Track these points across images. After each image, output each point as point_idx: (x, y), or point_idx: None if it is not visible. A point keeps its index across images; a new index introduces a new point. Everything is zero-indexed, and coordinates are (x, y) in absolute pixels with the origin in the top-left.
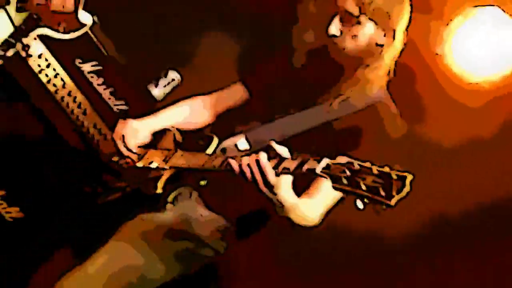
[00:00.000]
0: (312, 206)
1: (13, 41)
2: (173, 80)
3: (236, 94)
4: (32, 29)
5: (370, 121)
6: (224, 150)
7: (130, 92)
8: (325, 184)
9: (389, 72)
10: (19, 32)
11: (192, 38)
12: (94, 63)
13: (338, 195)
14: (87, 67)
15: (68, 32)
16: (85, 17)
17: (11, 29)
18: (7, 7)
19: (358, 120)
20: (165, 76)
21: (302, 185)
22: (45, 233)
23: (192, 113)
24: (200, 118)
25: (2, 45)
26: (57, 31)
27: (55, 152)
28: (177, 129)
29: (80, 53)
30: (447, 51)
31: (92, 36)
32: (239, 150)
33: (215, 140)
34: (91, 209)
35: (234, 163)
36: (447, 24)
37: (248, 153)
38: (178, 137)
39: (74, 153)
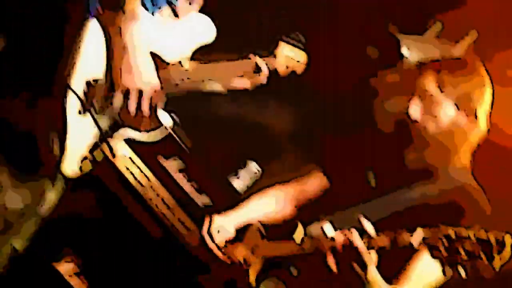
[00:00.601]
0: None
1: (99, 144)
2: (253, 171)
3: (316, 182)
4: (116, 130)
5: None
6: (310, 236)
7: (212, 185)
8: (421, 265)
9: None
10: (105, 135)
11: (269, 127)
12: (176, 159)
13: (437, 278)
14: (169, 164)
15: (149, 131)
16: (165, 118)
17: (97, 132)
18: (91, 110)
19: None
20: (245, 167)
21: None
22: None
23: (273, 205)
24: (282, 211)
25: (91, 149)
26: (139, 130)
27: (142, 246)
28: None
29: (162, 151)
30: None
31: (173, 134)
32: (325, 235)
33: (300, 227)
34: None
35: (325, 246)
36: None
37: (336, 234)
38: (262, 230)
39: (161, 246)
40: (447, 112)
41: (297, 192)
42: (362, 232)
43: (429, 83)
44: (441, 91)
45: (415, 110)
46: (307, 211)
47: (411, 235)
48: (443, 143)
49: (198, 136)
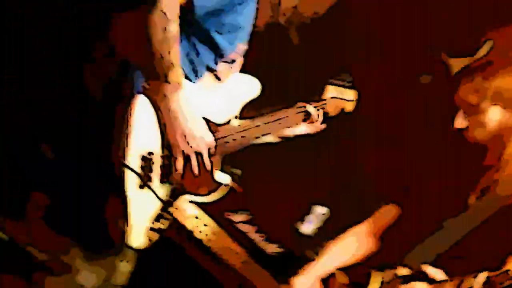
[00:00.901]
0: None
1: (162, 213)
2: (320, 214)
3: (389, 213)
4: (177, 197)
5: None
6: (387, 282)
7: (281, 233)
8: None
9: None
10: (167, 204)
11: (331, 167)
12: (243, 212)
13: None
14: (237, 217)
15: (209, 194)
16: (222, 177)
17: (159, 203)
18: (149, 183)
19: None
20: (311, 212)
21: None
22: None
23: (354, 246)
24: (363, 248)
25: (156, 220)
26: (199, 195)
27: None
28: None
29: (228, 205)
30: None
31: (236, 186)
32: (399, 278)
33: (375, 274)
34: None
35: None
36: None
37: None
38: (345, 280)
39: None
40: (492, 116)
41: (372, 226)
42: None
43: (467, 93)
44: (482, 98)
45: (459, 120)
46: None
47: (475, 277)
48: (496, 147)
49: (262, 185)
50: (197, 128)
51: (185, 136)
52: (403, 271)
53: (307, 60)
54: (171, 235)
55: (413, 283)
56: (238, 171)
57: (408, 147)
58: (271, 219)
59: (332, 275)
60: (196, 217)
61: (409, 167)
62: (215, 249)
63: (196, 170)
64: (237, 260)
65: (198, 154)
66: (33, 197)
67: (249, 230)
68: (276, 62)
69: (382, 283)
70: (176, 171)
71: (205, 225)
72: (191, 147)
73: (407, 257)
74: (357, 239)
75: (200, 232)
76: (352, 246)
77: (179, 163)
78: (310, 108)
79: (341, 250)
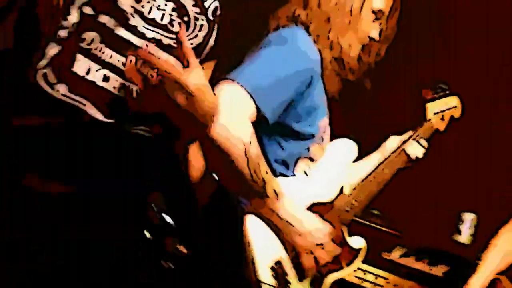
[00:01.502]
0: None
1: None
2: (470, 220)
3: None
4: (322, 283)
5: None
6: None
7: (440, 251)
8: None
9: None
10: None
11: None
12: (398, 248)
13: None
14: (395, 255)
15: (352, 261)
16: (356, 242)
17: None
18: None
19: None
20: (461, 221)
21: None
22: None
23: (506, 248)
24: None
25: None
26: (343, 268)
27: None
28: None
29: (382, 247)
30: None
31: (378, 227)
32: None
33: None
34: None
35: None
36: None
37: None
38: (509, 285)
39: None
40: None
41: None
42: None
43: None
44: None
45: None
46: None
47: None
48: None
49: (405, 211)
50: (310, 224)
51: (302, 235)
52: None
53: (390, 97)
54: None
55: None
56: (378, 212)
57: None
58: (427, 241)
59: (495, 281)
60: (358, 268)
61: None
62: None
63: (324, 261)
64: None
65: (321, 245)
66: None
67: (410, 261)
68: (361, 114)
69: None
70: (307, 268)
71: (368, 272)
72: (311, 243)
73: None
74: (508, 240)
75: (364, 281)
76: (505, 248)
77: (309, 261)
78: (408, 149)
79: (496, 255)
